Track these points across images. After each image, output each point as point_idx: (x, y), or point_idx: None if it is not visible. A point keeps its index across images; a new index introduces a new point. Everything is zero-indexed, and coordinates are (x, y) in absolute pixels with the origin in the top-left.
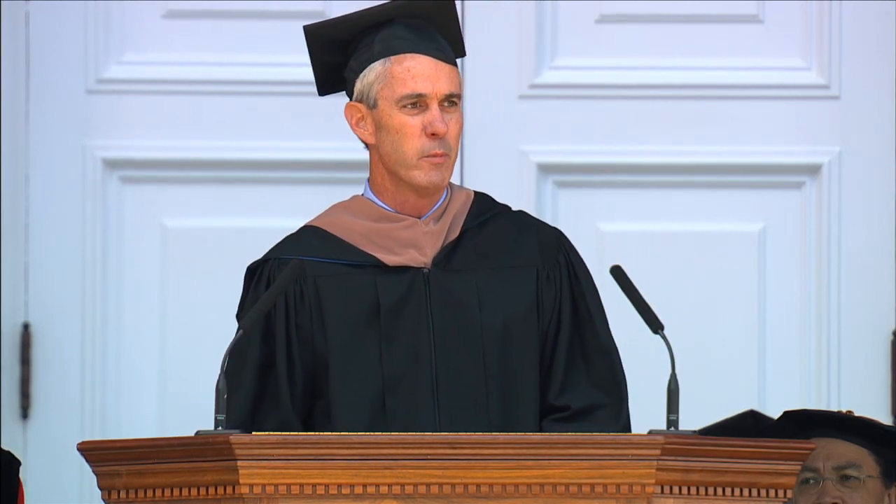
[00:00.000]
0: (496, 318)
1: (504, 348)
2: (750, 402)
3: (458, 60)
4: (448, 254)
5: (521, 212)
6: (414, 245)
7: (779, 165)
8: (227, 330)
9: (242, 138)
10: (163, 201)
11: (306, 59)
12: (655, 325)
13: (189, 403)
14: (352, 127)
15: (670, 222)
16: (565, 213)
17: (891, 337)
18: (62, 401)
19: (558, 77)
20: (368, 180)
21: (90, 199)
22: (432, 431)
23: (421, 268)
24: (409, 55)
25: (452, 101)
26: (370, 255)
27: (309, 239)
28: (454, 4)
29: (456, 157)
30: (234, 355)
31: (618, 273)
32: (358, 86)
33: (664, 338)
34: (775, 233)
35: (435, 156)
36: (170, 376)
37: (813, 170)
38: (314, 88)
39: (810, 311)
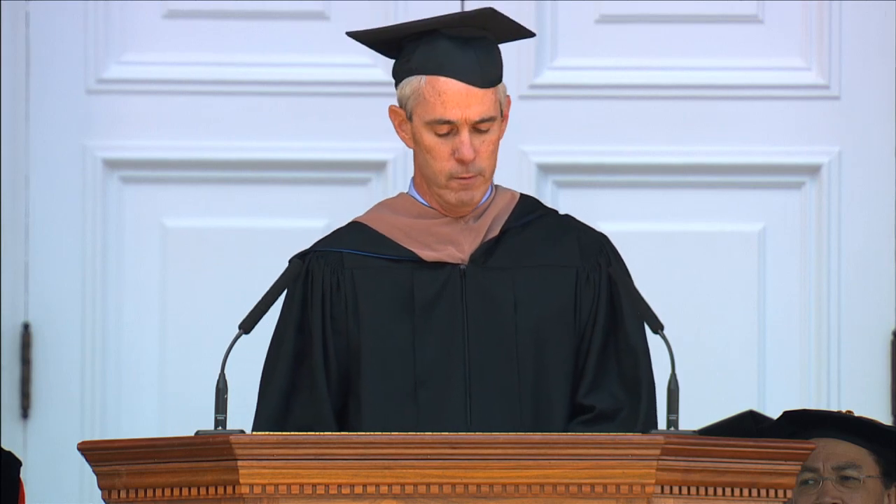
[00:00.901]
0: (531, 317)
1: (537, 346)
2: (750, 402)
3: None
4: (486, 251)
5: (566, 215)
6: (452, 241)
7: (779, 165)
8: (227, 330)
9: (242, 138)
10: (163, 201)
11: (306, 59)
12: (655, 325)
13: (189, 403)
14: (395, 128)
15: (670, 222)
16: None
17: (891, 337)
18: (62, 401)
19: (558, 77)
20: (413, 178)
21: (90, 199)
22: (463, 427)
23: (458, 264)
24: (441, 80)
25: (484, 124)
26: (408, 250)
27: (351, 233)
28: (499, 15)
29: (490, 172)
30: (270, 347)
31: (619, 274)
32: (399, 92)
33: (664, 338)
34: (775, 233)
35: (463, 178)
36: (170, 376)
37: (813, 170)
38: (314, 88)
39: (810, 311)
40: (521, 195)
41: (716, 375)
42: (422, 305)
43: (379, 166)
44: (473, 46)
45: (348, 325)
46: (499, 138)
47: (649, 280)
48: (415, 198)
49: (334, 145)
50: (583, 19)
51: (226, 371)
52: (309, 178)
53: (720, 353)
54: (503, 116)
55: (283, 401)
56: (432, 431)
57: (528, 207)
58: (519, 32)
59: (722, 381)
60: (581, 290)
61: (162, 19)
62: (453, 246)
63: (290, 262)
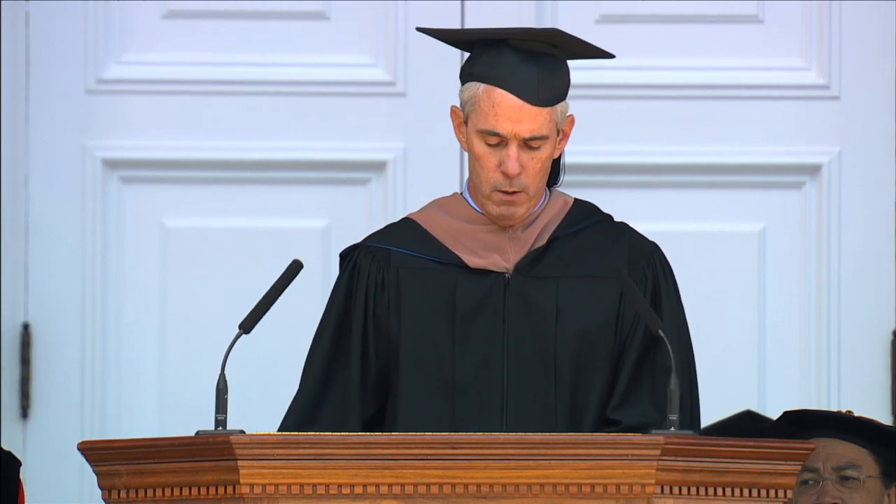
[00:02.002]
0: (571, 328)
1: (577, 357)
2: (750, 401)
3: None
4: (532, 260)
5: (621, 223)
6: (498, 249)
7: (779, 165)
8: (227, 330)
9: (242, 138)
10: (163, 201)
11: (306, 59)
12: (655, 325)
13: (189, 403)
14: (454, 129)
15: (670, 222)
16: None
17: (891, 337)
18: (62, 401)
19: None
20: (468, 180)
21: (90, 199)
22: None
23: (502, 272)
24: (498, 91)
25: (534, 142)
26: (454, 254)
27: (402, 230)
28: (567, 35)
29: (538, 190)
30: (312, 343)
31: (618, 273)
32: (460, 94)
33: (664, 338)
34: (775, 233)
35: (506, 193)
36: (170, 376)
37: (813, 170)
38: (314, 88)
39: (810, 310)
40: (576, 200)
41: (716, 375)
42: (463, 313)
43: (379, 166)
44: (537, 63)
45: (390, 324)
46: (550, 156)
47: None
48: (467, 201)
49: (334, 145)
50: (583, 19)
51: (226, 371)
52: (309, 178)
53: (720, 353)
54: (563, 135)
55: (313, 403)
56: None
57: (581, 215)
58: (593, 52)
59: (722, 381)
60: (625, 303)
61: (162, 19)
62: (499, 254)
63: (340, 258)
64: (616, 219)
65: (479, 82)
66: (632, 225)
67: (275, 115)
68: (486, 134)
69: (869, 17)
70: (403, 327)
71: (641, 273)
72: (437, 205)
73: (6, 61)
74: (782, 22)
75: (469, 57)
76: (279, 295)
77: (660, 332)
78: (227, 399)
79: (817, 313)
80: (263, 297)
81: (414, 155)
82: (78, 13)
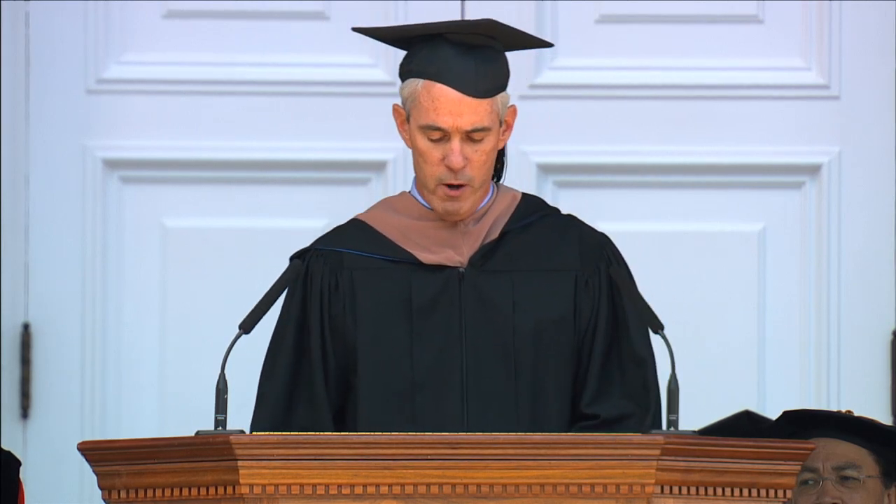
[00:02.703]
0: (529, 321)
1: (535, 351)
2: (750, 401)
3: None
4: (485, 254)
5: (569, 216)
6: (450, 244)
7: (779, 165)
8: (227, 330)
9: (242, 138)
10: (163, 201)
11: (306, 59)
12: (655, 325)
13: (189, 403)
14: (397, 127)
15: (670, 222)
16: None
17: (891, 337)
18: (62, 401)
19: (558, 77)
20: (415, 177)
21: (90, 199)
22: (460, 430)
23: (456, 267)
24: (437, 86)
25: (476, 133)
26: (407, 251)
27: (352, 231)
28: (503, 25)
29: (483, 181)
30: (269, 348)
31: (618, 274)
32: (400, 92)
33: (664, 338)
34: (775, 233)
35: (451, 186)
36: (170, 376)
37: (813, 170)
38: (314, 88)
39: (810, 310)
40: (524, 195)
41: (716, 375)
42: (419, 309)
43: (379, 166)
44: (474, 55)
45: (346, 325)
46: (494, 148)
47: (649, 280)
48: (416, 198)
49: (334, 145)
50: (583, 19)
51: (226, 371)
52: (309, 178)
53: (720, 353)
54: (506, 125)
55: (282, 402)
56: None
57: (530, 208)
58: (531, 42)
59: (722, 381)
60: (580, 295)
61: (162, 19)
62: (452, 249)
63: (290, 262)
64: (616, 219)
65: (417, 78)
66: (632, 225)
67: (275, 115)
68: (428, 129)
69: (869, 17)
70: (360, 327)
71: (595, 265)
72: (386, 204)
73: (6, 61)
74: (782, 22)
75: (406, 55)
76: (279, 295)
77: (659, 332)
78: (227, 399)
79: (817, 313)
80: (263, 297)
81: None
82: (78, 13)
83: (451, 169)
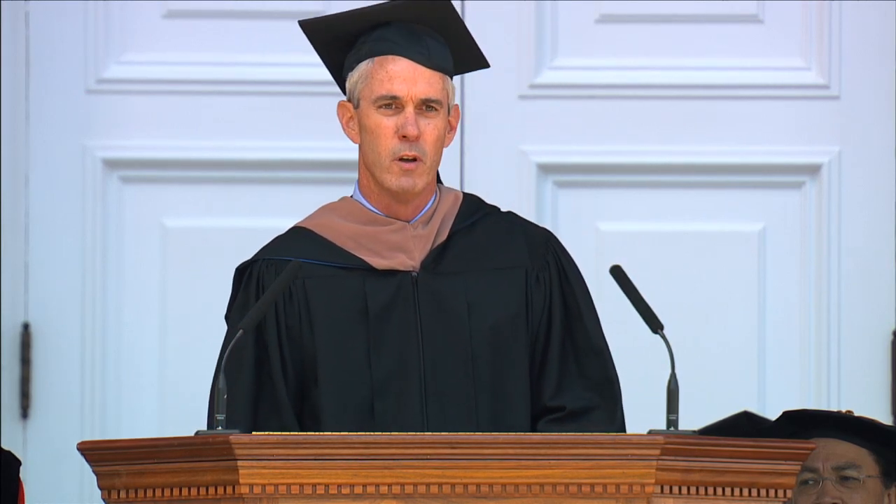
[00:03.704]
0: (485, 321)
1: (493, 351)
2: (750, 402)
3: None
4: (436, 257)
5: (509, 213)
6: (402, 249)
7: (779, 165)
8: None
9: (242, 138)
10: (163, 201)
11: (306, 59)
12: (655, 325)
13: (189, 403)
14: (342, 126)
15: (670, 222)
16: (565, 213)
17: (891, 337)
18: (62, 401)
19: (558, 77)
20: (357, 182)
21: (90, 199)
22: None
23: (409, 271)
24: (390, 57)
25: (431, 105)
26: (359, 258)
27: (298, 240)
28: (456, 14)
29: (434, 163)
30: (231, 359)
31: (618, 273)
32: (347, 84)
33: (664, 338)
34: (775, 233)
35: (404, 159)
36: (170, 376)
37: (813, 170)
38: (314, 88)
39: (810, 310)
40: (465, 194)
41: (716, 375)
42: (375, 314)
43: None
44: (425, 33)
45: (302, 335)
46: (444, 131)
47: (649, 280)
48: (360, 202)
49: (334, 145)
50: (583, 19)
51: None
52: (309, 178)
53: (720, 353)
54: (450, 123)
55: (249, 414)
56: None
57: (473, 207)
58: (471, 45)
59: (722, 381)
60: (532, 290)
61: (162, 19)
62: (404, 253)
63: (236, 272)
64: (616, 219)
65: (368, 59)
66: (632, 225)
67: (275, 115)
68: (381, 99)
69: (869, 17)
70: (317, 336)
71: (543, 259)
72: (329, 210)
73: (6, 61)
74: (782, 22)
75: (355, 46)
76: (279, 295)
77: (659, 332)
78: (226, 399)
79: (817, 313)
80: (263, 298)
81: None
82: (78, 13)
83: (406, 138)
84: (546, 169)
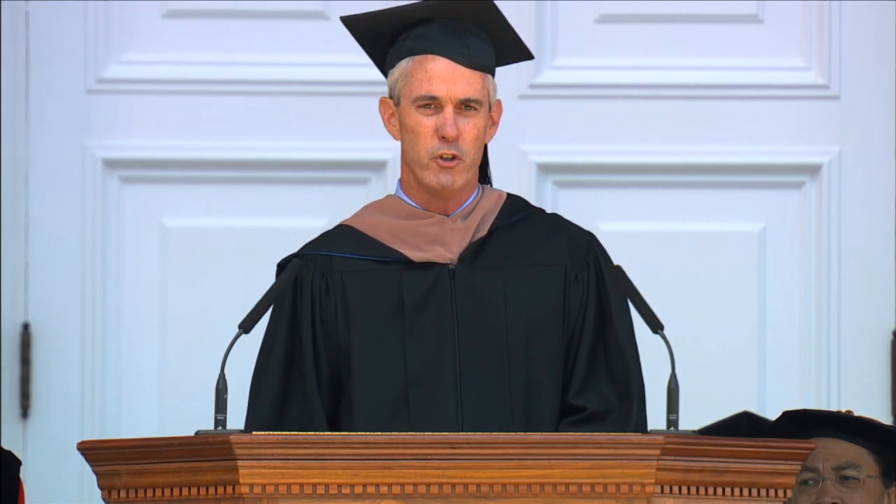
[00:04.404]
0: (520, 316)
1: (528, 346)
2: (750, 401)
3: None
4: (475, 251)
5: (554, 214)
6: (440, 242)
7: (779, 165)
8: (227, 330)
9: (242, 138)
10: (163, 201)
11: (307, 59)
12: (655, 325)
13: (189, 403)
14: (384, 122)
15: (670, 222)
16: (565, 213)
17: (891, 337)
18: (62, 401)
19: (558, 77)
20: (400, 178)
21: (90, 199)
22: (454, 427)
23: (447, 264)
24: (430, 56)
25: (471, 105)
26: (397, 251)
27: (339, 236)
28: (497, 9)
29: (474, 161)
30: (261, 351)
31: (618, 273)
32: (389, 80)
33: (664, 338)
34: (775, 233)
35: (443, 157)
36: (170, 376)
37: (813, 170)
38: (314, 88)
39: (810, 310)
40: (509, 195)
41: (716, 375)
42: (411, 306)
43: (379, 166)
44: (466, 31)
45: (339, 329)
46: (484, 129)
47: (649, 280)
48: (402, 198)
49: (334, 145)
50: (583, 19)
51: (226, 371)
52: (309, 178)
53: (720, 353)
54: (492, 118)
55: (275, 406)
56: (425, 432)
57: (516, 207)
58: (515, 41)
59: (722, 381)
60: (569, 289)
61: (162, 19)
62: (441, 246)
63: (290, 262)
64: (616, 219)
65: (408, 57)
66: (632, 225)
67: (275, 115)
68: (421, 100)
69: (869, 17)
70: (353, 329)
71: (583, 261)
72: (372, 208)
73: (6, 61)
74: (782, 22)
75: (396, 42)
76: (279, 295)
77: (659, 332)
78: (226, 399)
79: (817, 313)
80: (263, 297)
81: None
82: (78, 13)
83: (444, 138)
84: (546, 169)
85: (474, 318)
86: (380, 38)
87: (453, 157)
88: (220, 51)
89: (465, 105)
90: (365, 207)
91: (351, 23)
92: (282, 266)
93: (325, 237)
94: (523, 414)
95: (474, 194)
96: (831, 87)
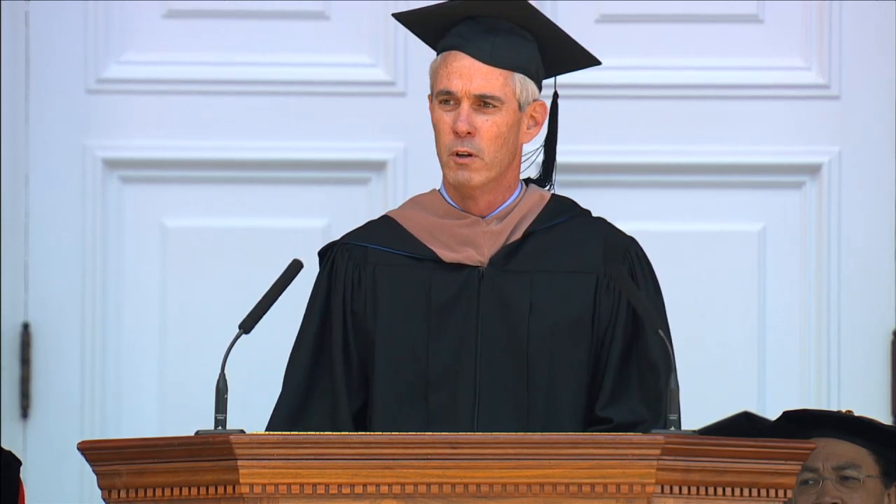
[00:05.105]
0: (545, 322)
1: (551, 352)
2: (750, 401)
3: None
4: (508, 254)
5: (598, 218)
6: (472, 243)
7: (779, 165)
8: (227, 330)
9: (242, 138)
10: (163, 201)
11: (306, 59)
12: (655, 325)
13: (189, 403)
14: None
15: (670, 222)
16: None
17: (891, 337)
18: (62, 401)
19: (558, 77)
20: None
21: (90, 199)
22: (471, 429)
23: (477, 266)
24: (453, 53)
25: (488, 102)
26: (429, 249)
27: (380, 228)
28: (537, 11)
29: (495, 160)
30: (296, 341)
31: (618, 273)
32: (429, 73)
33: (664, 338)
34: (775, 233)
35: (458, 154)
36: (170, 376)
37: (813, 170)
38: (314, 88)
39: (810, 310)
40: (553, 195)
41: (716, 375)
42: (438, 307)
43: (379, 166)
44: (498, 30)
45: (367, 320)
46: (509, 128)
47: None
48: (443, 196)
49: (334, 145)
50: (583, 19)
51: (226, 371)
52: (309, 178)
53: (720, 353)
54: (532, 121)
55: (300, 399)
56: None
57: (559, 209)
58: (577, 50)
59: (722, 381)
60: (600, 298)
61: (162, 19)
62: (473, 248)
63: (319, 256)
64: (616, 219)
65: (440, 54)
66: (632, 225)
67: (275, 115)
68: (440, 95)
69: (869, 17)
70: (379, 323)
71: (617, 268)
72: (415, 202)
73: (6, 61)
74: (782, 22)
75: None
76: (279, 295)
77: (659, 332)
78: (227, 399)
79: (817, 313)
80: (263, 297)
81: (414, 154)
82: (78, 13)
83: (456, 133)
84: None
85: (497, 323)
86: (431, 35)
87: (469, 154)
88: (220, 51)
89: (482, 102)
90: (410, 200)
91: (403, 18)
92: (322, 254)
93: (367, 227)
94: (541, 421)
95: (514, 195)
96: (831, 87)
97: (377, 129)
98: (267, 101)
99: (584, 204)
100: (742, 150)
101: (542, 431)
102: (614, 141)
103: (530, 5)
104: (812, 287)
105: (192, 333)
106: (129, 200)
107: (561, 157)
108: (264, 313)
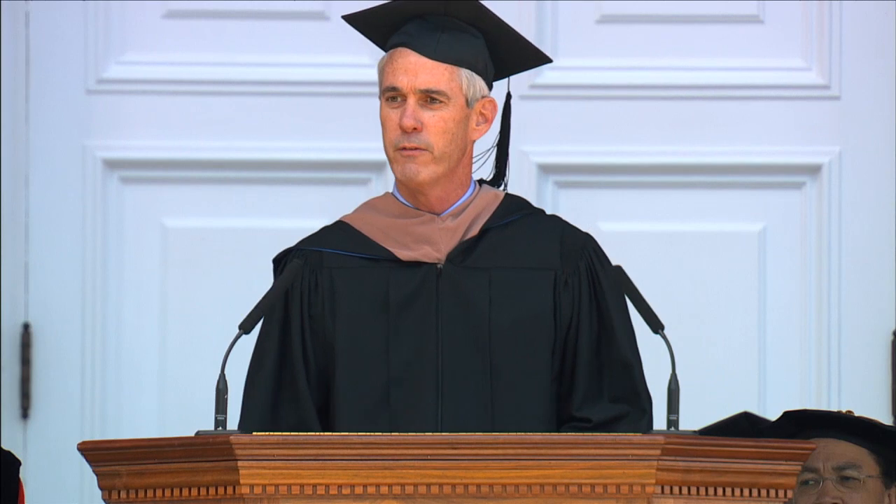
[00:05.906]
0: (505, 318)
1: (512, 348)
2: (750, 401)
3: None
4: (465, 251)
5: (553, 216)
6: (428, 241)
7: (779, 165)
8: (227, 330)
9: (242, 138)
10: (163, 201)
11: (306, 59)
12: (655, 325)
13: (189, 403)
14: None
15: (670, 222)
16: (565, 213)
17: (891, 337)
18: (62, 401)
19: (558, 77)
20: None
21: (90, 199)
22: (434, 427)
23: (434, 263)
24: (399, 50)
25: (434, 97)
26: (385, 249)
27: (334, 232)
28: (486, 10)
29: (444, 154)
30: (255, 350)
31: (618, 273)
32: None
33: (664, 338)
34: (775, 233)
35: (405, 149)
36: (170, 376)
37: (813, 170)
38: (314, 88)
39: (810, 311)
40: (507, 194)
41: (716, 375)
42: (396, 305)
43: (379, 166)
44: (443, 27)
45: (325, 325)
46: (456, 123)
47: (649, 280)
48: (396, 197)
49: (334, 145)
50: (583, 19)
51: (226, 371)
52: (309, 178)
53: (720, 353)
54: (481, 117)
55: (267, 408)
56: (404, 432)
57: (513, 207)
58: (525, 45)
59: (722, 381)
60: (559, 294)
61: (162, 19)
62: (430, 245)
63: (273, 263)
64: (616, 219)
65: (386, 52)
66: (632, 225)
67: (275, 115)
68: (387, 92)
69: (869, 17)
70: (338, 326)
71: (575, 264)
72: (369, 205)
73: (6, 61)
74: (782, 22)
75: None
76: (279, 295)
77: (659, 332)
78: (227, 399)
79: (817, 313)
80: (263, 297)
81: None
82: (78, 13)
83: (402, 129)
84: (546, 169)
85: (458, 318)
86: (380, 34)
87: (415, 148)
88: (220, 51)
89: (429, 97)
90: (363, 205)
91: (351, 19)
92: (277, 261)
93: (321, 233)
94: (504, 416)
95: (468, 193)
96: (831, 87)
97: (377, 129)
98: (267, 101)
99: (584, 204)
100: (742, 151)
101: (505, 425)
102: (614, 141)
103: (478, 3)
104: (812, 287)
105: (192, 333)
106: (129, 201)
107: (561, 158)
108: (264, 313)
